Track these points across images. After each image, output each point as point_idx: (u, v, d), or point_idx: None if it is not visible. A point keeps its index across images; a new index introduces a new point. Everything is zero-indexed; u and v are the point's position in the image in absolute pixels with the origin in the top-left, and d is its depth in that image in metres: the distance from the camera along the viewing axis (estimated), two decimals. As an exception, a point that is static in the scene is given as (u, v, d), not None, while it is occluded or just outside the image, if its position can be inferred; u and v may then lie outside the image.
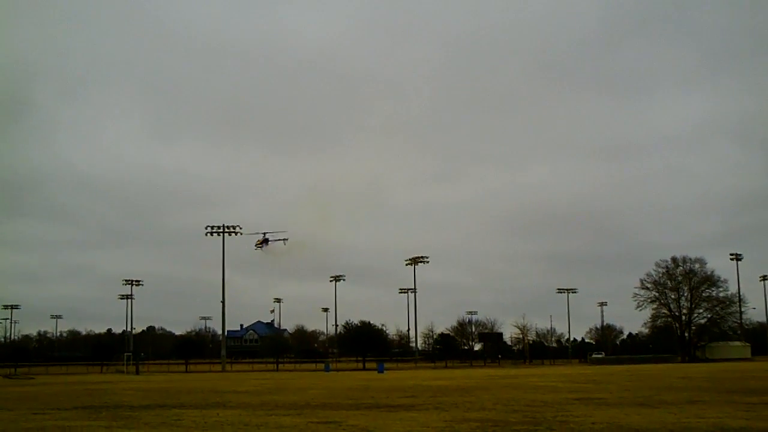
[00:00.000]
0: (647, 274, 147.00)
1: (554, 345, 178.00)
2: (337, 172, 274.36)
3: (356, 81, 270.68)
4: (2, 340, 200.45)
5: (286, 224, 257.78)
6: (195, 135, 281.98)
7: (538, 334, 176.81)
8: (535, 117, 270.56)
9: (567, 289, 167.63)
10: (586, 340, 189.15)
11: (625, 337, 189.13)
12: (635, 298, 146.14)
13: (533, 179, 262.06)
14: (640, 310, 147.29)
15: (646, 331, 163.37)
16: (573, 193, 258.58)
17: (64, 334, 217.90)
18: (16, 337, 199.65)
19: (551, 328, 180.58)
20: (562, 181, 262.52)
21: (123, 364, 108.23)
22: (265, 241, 70.28)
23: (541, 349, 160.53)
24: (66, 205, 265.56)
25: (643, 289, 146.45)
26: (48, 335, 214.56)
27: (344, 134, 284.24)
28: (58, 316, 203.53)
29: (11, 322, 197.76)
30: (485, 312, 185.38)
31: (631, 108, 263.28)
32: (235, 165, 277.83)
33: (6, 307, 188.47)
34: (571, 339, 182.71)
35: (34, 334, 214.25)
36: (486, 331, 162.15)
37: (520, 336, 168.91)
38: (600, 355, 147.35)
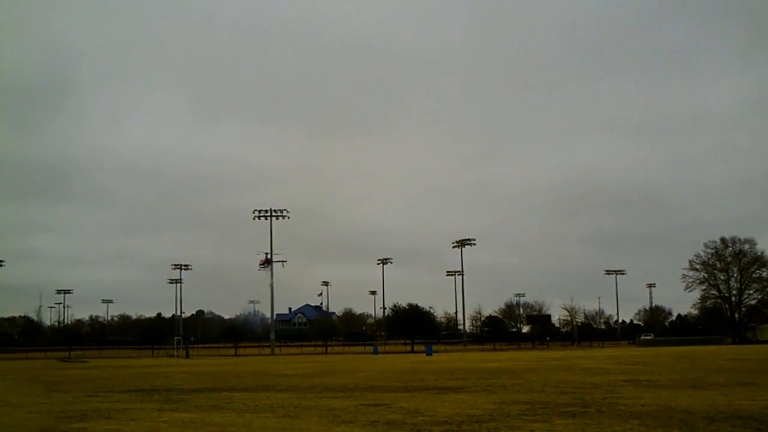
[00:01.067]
0: (696, 255, 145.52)
1: (602, 327, 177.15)
2: (381, 152, 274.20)
3: (399, 61, 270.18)
4: (56, 324, 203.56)
5: (330, 205, 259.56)
6: (238, 117, 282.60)
7: (586, 316, 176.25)
8: (580, 95, 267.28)
9: (615, 271, 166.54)
10: (635, 322, 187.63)
11: (674, 318, 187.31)
12: (684, 280, 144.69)
13: (579, 159, 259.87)
14: (689, 291, 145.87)
15: (695, 312, 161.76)
16: (620, 172, 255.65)
17: (115, 319, 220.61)
18: (69, 322, 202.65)
19: (599, 309, 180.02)
20: (609, 160, 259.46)
21: (173, 348, 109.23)
22: (267, 261, 70.65)
23: (589, 331, 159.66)
24: (111, 189, 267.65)
25: (692, 270, 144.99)
26: (99, 319, 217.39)
27: (387, 115, 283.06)
28: (109, 301, 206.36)
29: (64, 307, 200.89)
30: (533, 294, 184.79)
31: (678, 85, 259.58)
32: (279, 147, 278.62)
33: (59, 291, 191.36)
34: (620, 321, 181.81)
35: (86, 318, 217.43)
36: (534, 313, 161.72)
37: (569, 318, 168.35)
38: (649, 337, 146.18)
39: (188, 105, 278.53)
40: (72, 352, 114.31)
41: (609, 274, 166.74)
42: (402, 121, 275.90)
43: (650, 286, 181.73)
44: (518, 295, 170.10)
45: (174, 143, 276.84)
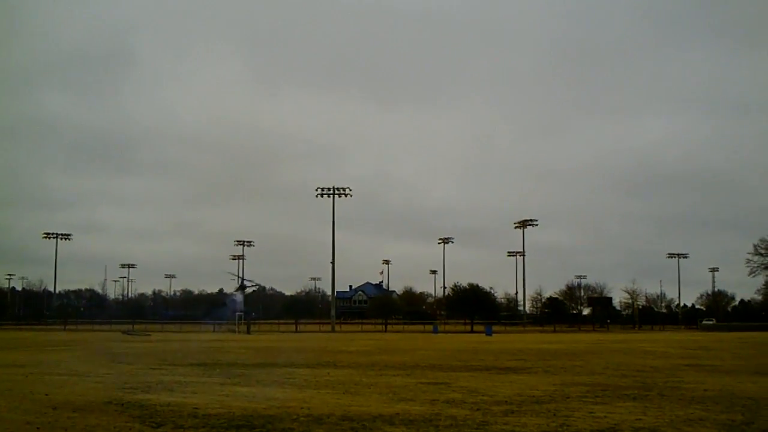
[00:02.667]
0: (761, 240, 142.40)
1: (664, 311, 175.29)
2: (442, 128, 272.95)
3: (461, 33, 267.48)
4: (120, 297, 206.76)
5: (392, 182, 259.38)
6: (299, 88, 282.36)
7: (647, 300, 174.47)
8: (646, 71, 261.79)
9: (677, 254, 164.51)
10: (697, 307, 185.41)
11: (736, 303, 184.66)
12: (748, 264, 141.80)
13: (644, 137, 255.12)
14: (753, 276, 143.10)
15: (759, 298, 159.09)
16: (685, 151, 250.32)
17: (178, 293, 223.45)
18: (132, 296, 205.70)
19: (661, 293, 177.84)
20: (674, 138, 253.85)
21: (234, 324, 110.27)
22: (242, 287, 70.61)
23: (650, 315, 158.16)
24: (174, 161, 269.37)
25: (756, 255, 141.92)
26: (162, 294, 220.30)
27: (448, 86, 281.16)
28: (172, 276, 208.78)
29: (128, 281, 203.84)
30: (595, 276, 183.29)
31: (748, 62, 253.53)
32: (341, 118, 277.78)
33: (123, 266, 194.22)
34: (681, 305, 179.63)
35: (149, 292, 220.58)
36: (595, 295, 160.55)
37: (630, 301, 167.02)
38: (711, 322, 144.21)
39: (250, 75, 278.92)
40: (135, 326, 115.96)
41: (671, 257, 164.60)
42: (463, 95, 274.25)
43: (713, 270, 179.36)
44: (579, 276, 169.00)
45: (236, 114, 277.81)
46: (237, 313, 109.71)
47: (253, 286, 65.92)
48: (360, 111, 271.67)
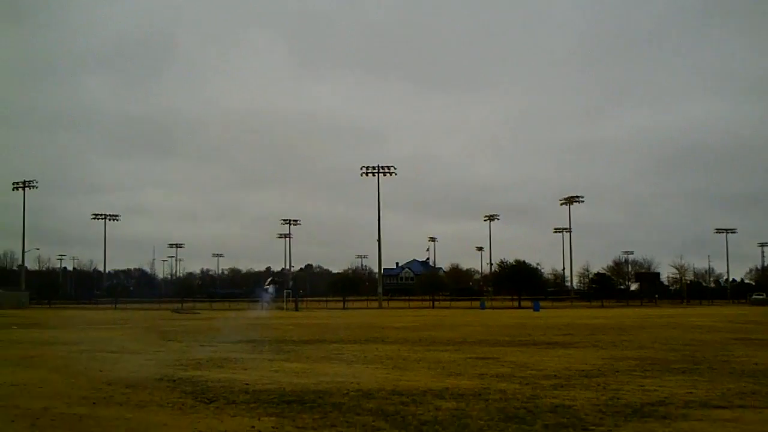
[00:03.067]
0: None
1: (712, 285, 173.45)
2: (487, 107, 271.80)
3: (504, 13, 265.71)
4: (168, 276, 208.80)
5: (437, 160, 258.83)
6: (343, 70, 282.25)
7: (695, 275, 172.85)
8: (689, 50, 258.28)
9: (726, 229, 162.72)
10: (746, 281, 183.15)
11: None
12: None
13: (690, 114, 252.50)
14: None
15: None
16: (730, 129, 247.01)
17: (226, 272, 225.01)
18: (181, 275, 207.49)
19: (709, 268, 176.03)
20: (721, 116, 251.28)
21: (282, 301, 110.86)
22: (273, 281, 70.36)
23: (698, 290, 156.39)
24: (216, 145, 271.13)
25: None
26: (210, 273, 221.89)
27: (493, 68, 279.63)
28: (220, 255, 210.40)
29: (176, 260, 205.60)
30: (641, 252, 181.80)
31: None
32: (385, 100, 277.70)
33: (171, 245, 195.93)
34: (730, 280, 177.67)
35: (198, 271, 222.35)
36: (642, 271, 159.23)
37: (678, 276, 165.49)
38: (761, 296, 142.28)
39: (292, 59, 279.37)
40: (184, 304, 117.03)
41: (719, 232, 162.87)
42: (504, 76, 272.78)
43: (762, 245, 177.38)
44: (626, 252, 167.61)
45: (278, 98, 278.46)
46: (285, 291, 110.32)
47: (278, 282, 66.26)
48: (401, 93, 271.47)
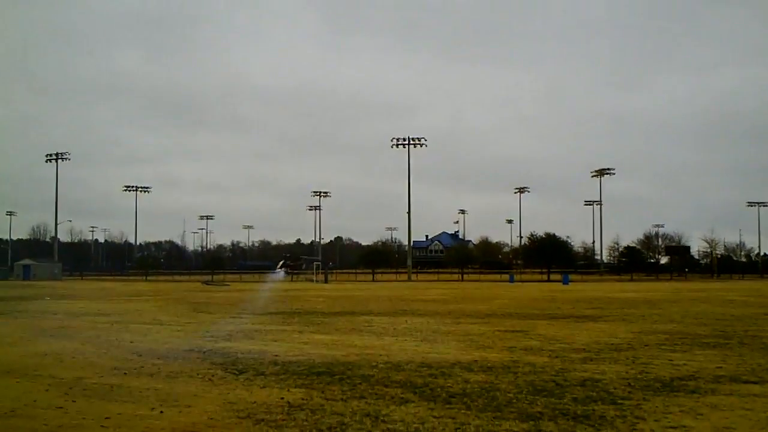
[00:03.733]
0: None
1: (743, 260, 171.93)
2: (513, 76, 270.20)
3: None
4: (199, 249, 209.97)
5: (467, 132, 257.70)
6: (372, 41, 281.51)
7: (726, 249, 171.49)
8: (721, 21, 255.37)
9: (757, 203, 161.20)
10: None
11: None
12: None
13: (720, 86, 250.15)
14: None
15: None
16: (763, 101, 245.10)
17: (256, 244, 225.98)
18: (211, 247, 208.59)
19: (740, 242, 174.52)
20: (751, 88, 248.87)
21: (312, 273, 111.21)
22: (285, 264, 69.66)
23: (729, 264, 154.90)
24: (246, 116, 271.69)
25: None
26: (240, 245, 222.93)
27: (519, 37, 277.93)
28: (250, 227, 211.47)
29: (207, 232, 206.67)
30: (672, 225, 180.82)
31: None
32: (412, 71, 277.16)
33: (202, 217, 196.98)
34: (762, 254, 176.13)
35: (228, 243, 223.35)
36: (673, 244, 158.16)
37: (708, 250, 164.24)
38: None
39: (321, 30, 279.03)
40: (214, 276, 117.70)
41: (751, 206, 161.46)
42: (535, 46, 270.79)
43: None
44: (657, 226, 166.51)
45: (308, 69, 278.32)
46: (315, 263, 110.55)
47: (290, 264, 65.85)
48: (431, 64, 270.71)
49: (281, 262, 68.07)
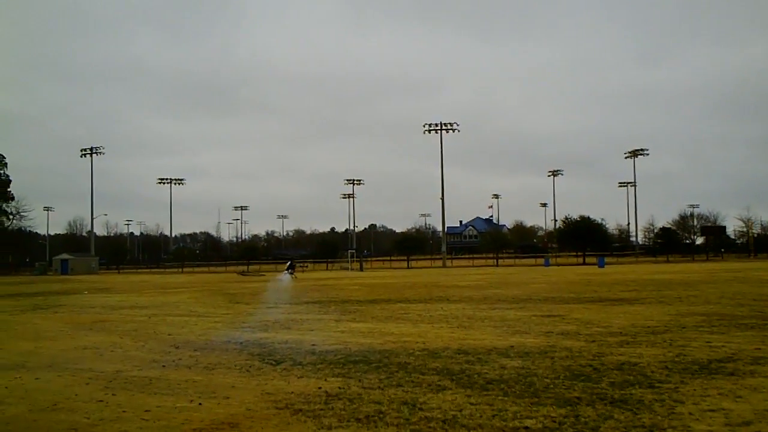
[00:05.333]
0: None
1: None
2: (541, 54, 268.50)
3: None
4: (234, 239, 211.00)
5: (499, 113, 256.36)
6: (398, 21, 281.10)
7: (763, 228, 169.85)
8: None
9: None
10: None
11: None
12: None
13: (752, 58, 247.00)
14: None
15: None
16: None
17: (290, 234, 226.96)
18: (246, 237, 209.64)
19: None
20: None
21: (347, 261, 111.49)
22: (292, 266, 69.38)
23: (766, 243, 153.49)
24: (273, 101, 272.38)
25: None
26: (275, 234, 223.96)
27: (545, 14, 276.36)
28: (284, 216, 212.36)
29: (241, 223, 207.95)
30: (707, 204, 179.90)
31: None
32: (438, 51, 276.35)
33: (236, 208, 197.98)
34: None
35: (263, 233, 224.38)
36: (708, 224, 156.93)
37: (745, 229, 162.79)
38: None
39: (346, 12, 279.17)
40: (250, 266, 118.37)
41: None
42: (561, 23, 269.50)
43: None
44: (692, 206, 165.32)
45: (333, 52, 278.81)
46: (349, 251, 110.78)
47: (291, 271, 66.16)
48: (456, 43, 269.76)
49: (289, 263, 68.94)
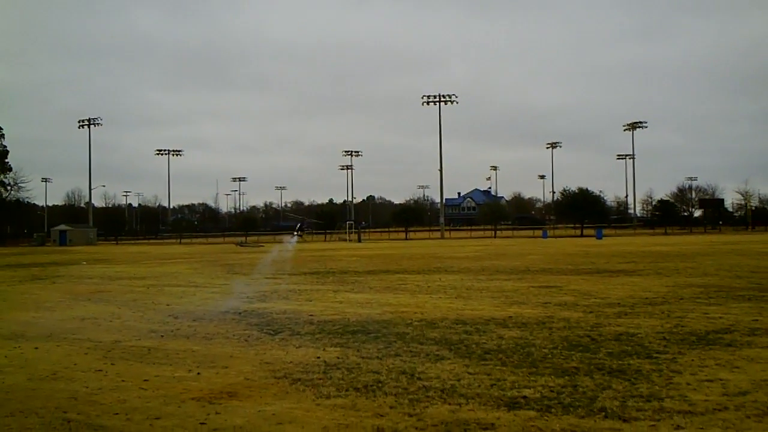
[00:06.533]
0: None
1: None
2: (540, 28, 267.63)
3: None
4: (232, 210, 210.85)
5: (497, 86, 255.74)
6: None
7: (761, 200, 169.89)
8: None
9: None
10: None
11: None
12: None
13: (751, 31, 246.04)
14: None
15: None
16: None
17: (289, 205, 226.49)
18: (244, 208, 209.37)
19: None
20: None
21: (345, 232, 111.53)
22: (300, 228, 68.16)
23: (764, 216, 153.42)
24: (269, 75, 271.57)
25: None
26: (273, 206, 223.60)
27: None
28: (282, 188, 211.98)
29: (239, 194, 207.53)
30: (706, 177, 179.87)
31: None
32: (435, 25, 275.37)
33: (234, 179, 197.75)
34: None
35: (261, 204, 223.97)
36: (706, 197, 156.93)
37: (742, 202, 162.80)
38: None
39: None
40: (248, 237, 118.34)
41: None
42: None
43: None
44: (690, 179, 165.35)
45: (328, 25, 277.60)
46: (348, 222, 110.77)
47: (300, 233, 64.99)
48: (456, 17, 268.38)
49: (298, 225, 67.98)
